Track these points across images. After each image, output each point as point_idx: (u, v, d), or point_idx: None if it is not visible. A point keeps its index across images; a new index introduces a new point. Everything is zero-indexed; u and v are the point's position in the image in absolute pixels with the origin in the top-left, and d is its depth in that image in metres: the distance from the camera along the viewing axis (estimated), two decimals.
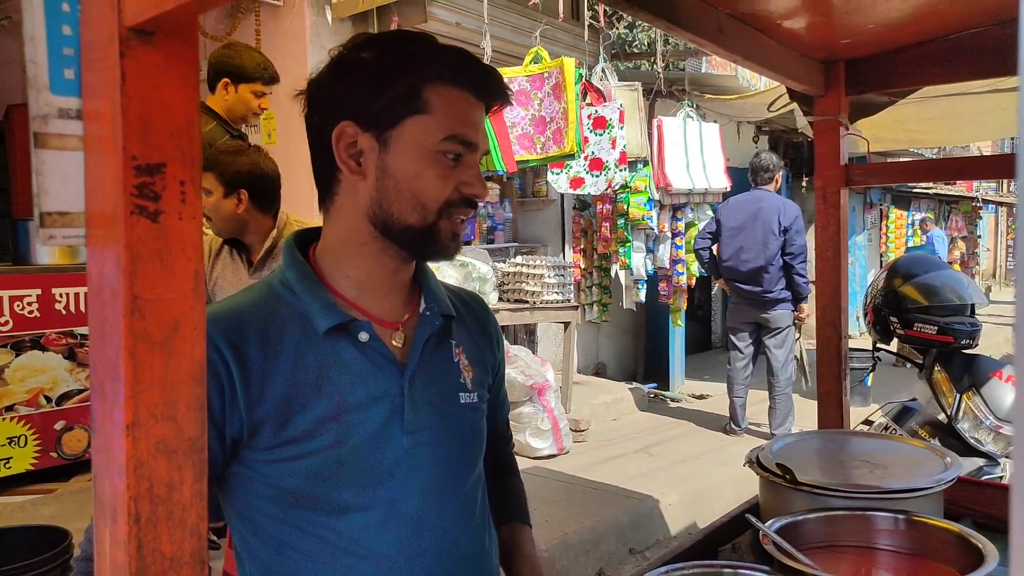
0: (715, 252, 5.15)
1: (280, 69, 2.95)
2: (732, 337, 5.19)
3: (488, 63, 1.02)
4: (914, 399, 2.89)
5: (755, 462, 1.54)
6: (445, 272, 4.54)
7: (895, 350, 3.11)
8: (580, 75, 4.21)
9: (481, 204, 1.00)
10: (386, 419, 0.91)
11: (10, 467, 3.54)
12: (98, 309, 0.62)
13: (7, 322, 3.48)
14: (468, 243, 5.40)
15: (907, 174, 3.61)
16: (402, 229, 0.92)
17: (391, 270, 0.97)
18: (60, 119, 0.61)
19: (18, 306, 3.54)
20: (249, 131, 4.80)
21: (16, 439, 3.56)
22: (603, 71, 4.77)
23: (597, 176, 4.61)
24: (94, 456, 0.64)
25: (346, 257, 0.96)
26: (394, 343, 0.96)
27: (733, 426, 5.23)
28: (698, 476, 4.30)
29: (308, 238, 1.00)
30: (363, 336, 0.92)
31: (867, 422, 2.93)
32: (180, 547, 0.62)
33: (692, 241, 5.49)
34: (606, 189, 4.75)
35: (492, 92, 0.95)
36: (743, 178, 5.10)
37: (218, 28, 4.54)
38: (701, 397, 6.43)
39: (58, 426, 3.73)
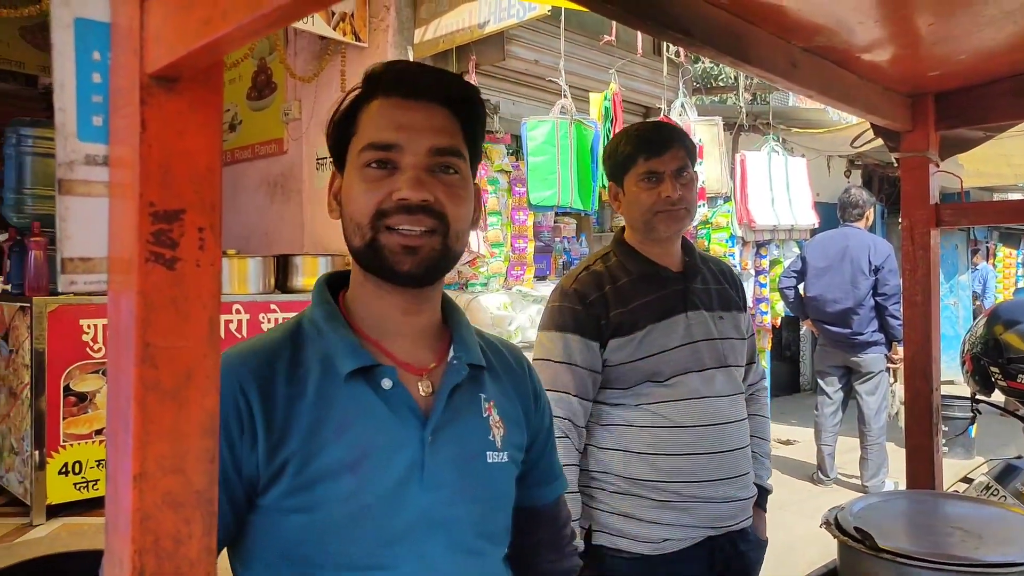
0: (801, 292, 4.95)
1: None
2: (820, 381, 4.95)
3: (427, 64, 0.98)
4: (1020, 456, 2.66)
5: (832, 523, 1.43)
6: (524, 307, 4.52)
7: (997, 401, 2.88)
8: (608, 108, 4.21)
9: (412, 204, 0.86)
10: (404, 474, 0.86)
11: (97, 488, 3.69)
12: (114, 357, 0.61)
13: (100, 349, 3.66)
14: (544, 278, 5.37)
15: (1003, 214, 3.32)
16: (355, 254, 0.90)
17: (398, 309, 0.93)
18: (86, 165, 0.62)
19: None
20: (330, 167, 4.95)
21: (104, 462, 3.72)
22: (682, 106, 4.70)
23: None
24: (107, 507, 0.63)
25: (359, 298, 0.94)
26: (421, 392, 0.91)
27: (821, 475, 4.96)
28: (781, 528, 4.07)
29: (341, 280, 0.98)
30: (386, 383, 0.88)
31: (967, 480, 2.71)
32: None
33: (777, 280, 5.30)
34: None
35: (419, 87, 0.89)
36: (833, 214, 4.90)
37: (306, 70, 4.72)
38: (787, 443, 6.14)
39: None
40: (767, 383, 1.89)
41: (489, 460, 0.93)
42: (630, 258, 1.68)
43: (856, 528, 1.33)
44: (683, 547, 1.61)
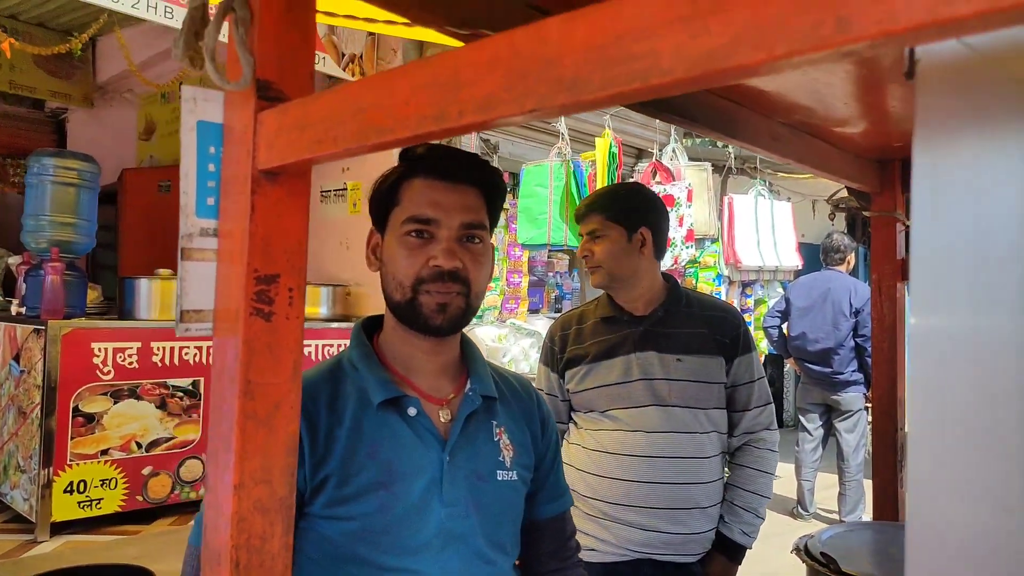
0: (785, 331, 5.13)
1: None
2: (801, 418, 5.11)
3: (468, 150, 1.14)
4: None
5: (802, 550, 1.57)
6: (518, 340, 4.67)
7: None
8: (614, 154, 4.40)
9: (450, 270, 1.04)
10: (426, 490, 1.02)
11: (100, 507, 3.79)
12: (218, 390, 0.76)
13: (109, 371, 3.77)
14: (537, 311, 5.53)
15: None
16: (394, 307, 1.07)
17: (424, 351, 1.09)
18: (201, 236, 0.77)
19: (120, 357, 3.84)
20: (334, 200, 5.11)
21: (108, 481, 3.82)
22: (673, 151, 4.91)
23: None
24: (206, 511, 0.77)
25: (391, 341, 1.11)
26: (441, 419, 1.08)
27: (800, 510, 5.09)
28: (760, 561, 4.17)
29: (375, 323, 1.15)
30: (411, 411, 1.05)
31: None
32: None
33: (761, 318, 5.48)
34: (672, 265, 4.83)
35: (455, 171, 1.07)
36: (818, 254, 5.11)
37: None
38: None
39: (146, 471, 3.98)
40: (769, 435, 1.94)
41: (499, 478, 1.10)
42: (605, 301, 1.91)
43: (822, 553, 1.47)
44: (608, 560, 1.78)
